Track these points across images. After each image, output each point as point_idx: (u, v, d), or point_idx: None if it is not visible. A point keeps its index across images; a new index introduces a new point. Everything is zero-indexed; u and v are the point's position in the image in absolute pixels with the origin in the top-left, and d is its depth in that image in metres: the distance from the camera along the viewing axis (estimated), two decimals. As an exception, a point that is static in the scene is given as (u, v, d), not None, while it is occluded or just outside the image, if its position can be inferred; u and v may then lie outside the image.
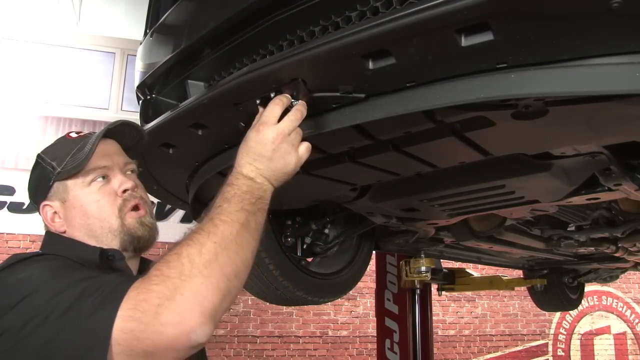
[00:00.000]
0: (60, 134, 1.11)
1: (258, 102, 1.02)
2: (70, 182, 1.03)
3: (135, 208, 1.06)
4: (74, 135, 1.09)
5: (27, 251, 1.04)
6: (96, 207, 1.03)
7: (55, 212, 1.04)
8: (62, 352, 0.77)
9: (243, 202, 0.90)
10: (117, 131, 1.10)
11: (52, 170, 1.03)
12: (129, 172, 1.10)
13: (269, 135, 0.94)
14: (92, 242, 1.02)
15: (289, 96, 0.98)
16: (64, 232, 1.04)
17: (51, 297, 0.80)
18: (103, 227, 1.03)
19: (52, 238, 1.05)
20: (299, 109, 0.97)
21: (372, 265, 2.95)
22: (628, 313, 9.19)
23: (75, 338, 0.77)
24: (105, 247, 1.02)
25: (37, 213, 1.08)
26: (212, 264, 0.81)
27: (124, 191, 1.05)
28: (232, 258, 0.84)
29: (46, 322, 0.78)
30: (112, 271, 0.98)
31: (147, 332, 0.76)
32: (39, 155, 1.08)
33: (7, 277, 0.86)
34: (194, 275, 0.79)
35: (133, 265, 1.07)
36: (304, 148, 0.98)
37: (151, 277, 0.80)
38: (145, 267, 1.11)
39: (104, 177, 1.05)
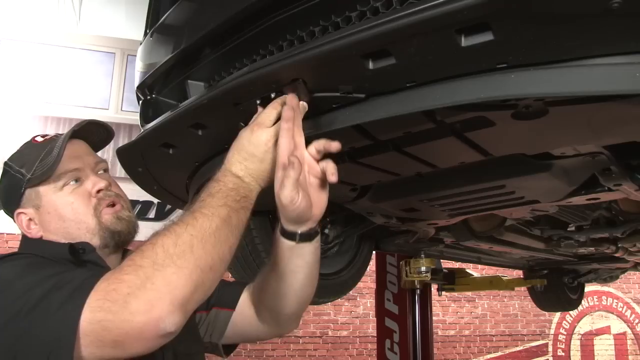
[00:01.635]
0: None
1: (258, 102, 1.02)
2: (42, 188, 1.03)
3: (111, 205, 1.07)
4: (39, 139, 1.08)
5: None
6: (71, 210, 1.03)
7: (30, 219, 1.04)
8: (32, 349, 0.77)
9: (227, 198, 0.90)
10: (85, 131, 1.09)
11: (21, 177, 1.03)
12: (101, 172, 1.10)
13: (262, 137, 0.94)
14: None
15: None
16: (41, 237, 1.04)
17: (20, 294, 0.80)
18: (80, 228, 1.03)
19: (27, 241, 1.06)
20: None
21: (372, 265, 2.94)
22: (628, 313, 9.19)
23: (43, 333, 0.77)
24: None
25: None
26: (186, 255, 0.80)
27: (98, 191, 1.06)
28: (208, 251, 0.82)
29: (16, 319, 0.78)
30: (85, 264, 0.98)
31: (115, 322, 0.75)
32: (5, 163, 1.07)
33: None
34: (167, 265, 0.78)
35: (115, 260, 1.07)
36: None
37: (123, 267, 0.80)
38: (123, 259, 1.11)
39: (76, 180, 1.05)
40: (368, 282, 6.36)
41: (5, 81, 6.51)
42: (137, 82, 1.49)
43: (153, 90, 1.45)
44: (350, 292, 2.43)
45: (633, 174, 1.27)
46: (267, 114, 0.96)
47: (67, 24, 6.63)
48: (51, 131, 6.60)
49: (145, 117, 1.47)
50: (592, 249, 2.49)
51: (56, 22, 6.59)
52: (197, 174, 1.50)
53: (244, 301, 1.21)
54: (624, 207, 1.95)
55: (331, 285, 2.11)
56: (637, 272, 4.56)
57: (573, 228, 2.30)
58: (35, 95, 6.64)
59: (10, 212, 1.06)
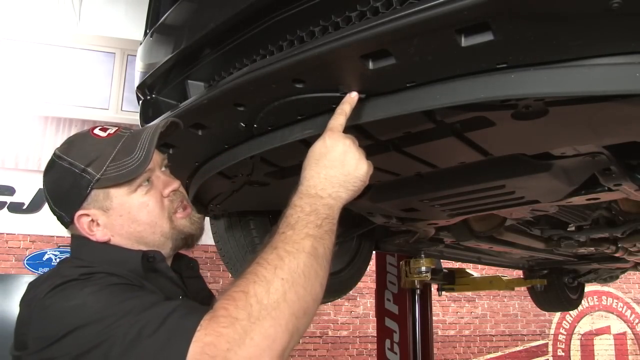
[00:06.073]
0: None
1: None
2: (113, 190, 0.95)
3: (182, 207, 1.04)
4: (101, 133, 0.98)
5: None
6: (146, 213, 0.97)
7: (92, 221, 0.96)
8: None
9: (307, 226, 0.86)
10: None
11: (88, 177, 0.93)
12: (163, 169, 1.05)
13: (339, 139, 0.92)
14: (141, 248, 0.98)
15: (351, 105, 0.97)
16: (108, 241, 0.97)
17: (107, 326, 0.77)
18: (155, 232, 0.98)
19: (84, 243, 0.97)
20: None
21: (372, 265, 2.95)
22: (628, 313, 9.19)
23: None
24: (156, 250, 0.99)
25: (51, 217, 1.00)
26: (280, 305, 0.77)
27: (170, 192, 1.02)
28: (300, 295, 0.79)
29: (108, 358, 0.75)
30: (153, 272, 0.96)
31: None
32: (62, 158, 0.96)
33: (59, 302, 0.82)
34: (263, 318, 0.75)
35: (168, 262, 1.04)
36: (370, 162, 0.96)
37: (219, 317, 0.76)
38: (177, 262, 1.09)
39: (148, 180, 0.99)
40: (368, 282, 6.36)
41: (5, 81, 6.50)
42: (137, 82, 1.49)
43: (153, 90, 1.45)
44: (350, 292, 2.43)
45: (633, 174, 1.27)
46: (336, 120, 0.95)
47: (67, 24, 6.62)
48: (51, 131, 6.62)
49: (145, 117, 1.47)
50: (592, 249, 2.49)
51: (56, 22, 6.58)
52: (197, 174, 1.50)
53: None
54: (624, 207, 1.95)
55: (331, 285, 2.11)
56: (637, 272, 4.56)
57: (573, 228, 2.30)
58: (35, 95, 6.64)
59: (66, 212, 0.97)
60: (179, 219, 1.02)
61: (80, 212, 0.96)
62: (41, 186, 1.03)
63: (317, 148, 0.93)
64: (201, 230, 1.06)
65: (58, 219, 1.00)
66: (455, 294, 7.57)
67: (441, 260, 3.57)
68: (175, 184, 1.03)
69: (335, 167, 0.91)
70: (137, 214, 0.97)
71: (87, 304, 0.80)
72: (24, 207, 6.37)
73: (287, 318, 0.77)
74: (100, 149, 0.95)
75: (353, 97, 0.96)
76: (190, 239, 1.04)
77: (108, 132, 0.99)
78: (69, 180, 0.95)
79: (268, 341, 0.75)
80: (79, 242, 0.99)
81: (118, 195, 0.96)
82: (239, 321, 0.75)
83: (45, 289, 0.84)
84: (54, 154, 0.99)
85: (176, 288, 0.99)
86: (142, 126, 1.48)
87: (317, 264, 0.84)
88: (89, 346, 0.76)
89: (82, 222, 0.96)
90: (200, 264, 1.16)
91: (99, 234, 0.97)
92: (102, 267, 0.89)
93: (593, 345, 8.88)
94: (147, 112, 1.46)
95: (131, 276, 0.90)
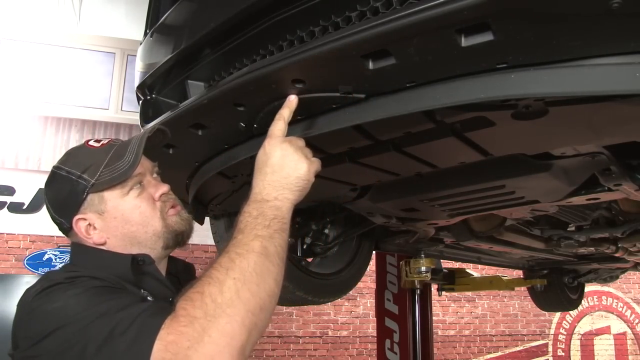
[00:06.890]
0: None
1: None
2: (107, 194, 1.02)
3: (172, 206, 1.10)
4: (95, 144, 1.07)
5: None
6: (138, 214, 1.04)
7: (89, 225, 1.02)
8: None
9: (256, 228, 0.90)
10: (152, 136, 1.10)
11: (84, 182, 1.01)
12: (155, 175, 1.12)
13: (276, 145, 0.97)
14: (134, 249, 1.03)
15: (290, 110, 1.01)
16: (104, 243, 1.03)
17: (84, 326, 0.81)
18: (147, 231, 1.04)
19: (81, 250, 1.04)
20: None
21: (372, 265, 2.95)
22: (628, 313, 9.19)
23: None
24: (148, 250, 1.04)
25: (54, 224, 1.05)
26: (234, 302, 0.80)
27: (161, 195, 1.08)
28: (254, 291, 0.83)
29: (84, 355, 0.79)
30: (143, 275, 1.01)
31: None
32: (61, 169, 1.04)
33: (44, 304, 0.87)
34: (219, 316, 0.79)
35: (162, 265, 1.10)
36: (316, 159, 1.01)
37: (179, 317, 0.80)
38: (174, 266, 1.16)
39: (140, 184, 1.06)
40: (368, 282, 6.37)
41: (5, 81, 6.51)
42: (137, 82, 1.49)
43: (153, 90, 1.45)
44: (350, 292, 2.43)
45: (633, 174, 1.27)
46: (275, 126, 0.99)
47: (67, 24, 6.62)
48: (51, 131, 6.62)
49: (145, 117, 1.47)
50: (592, 249, 2.49)
51: (56, 22, 6.59)
52: (197, 174, 1.50)
53: None
54: (624, 207, 1.95)
55: (331, 285, 2.11)
56: (637, 272, 4.56)
57: (573, 228, 2.30)
58: (35, 95, 6.64)
59: (65, 218, 1.03)
60: (170, 216, 1.08)
61: (77, 216, 1.02)
62: (41, 186, 1.13)
63: (259, 157, 0.99)
64: (191, 228, 1.12)
65: (58, 227, 1.06)
66: (455, 294, 7.58)
67: (441, 260, 3.56)
68: (165, 187, 1.10)
69: (276, 171, 0.96)
70: (130, 215, 1.03)
71: (68, 306, 0.85)
72: (24, 207, 6.38)
73: (242, 314, 0.80)
74: (94, 157, 1.03)
75: (292, 100, 1.01)
76: (180, 237, 1.09)
77: (101, 142, 1.07)
78: (67, 188, 1.02)
79: (226, 338, 0.78)
80: (76, 248, 1.05)
81: (112, 198, 1.03)
82: (197, 319, 0.79)
83: (33, 292, 0.91)
84: (53, 166, 1.06)
85: (166, 290, 1.04)
86: (142, 126, 1.48)
87: (269, 261, 0.87)
88: (67, 345, 0.81)
89: (80, 227, 1.02)
90: (200, 264, 1.20)
91: (95, 237, 1.03)
92: (87, 271, 0.95)
93: (593, 345, 8.88)
94: (147, 112, 1.46)
95: (113, 279, 0.95)
